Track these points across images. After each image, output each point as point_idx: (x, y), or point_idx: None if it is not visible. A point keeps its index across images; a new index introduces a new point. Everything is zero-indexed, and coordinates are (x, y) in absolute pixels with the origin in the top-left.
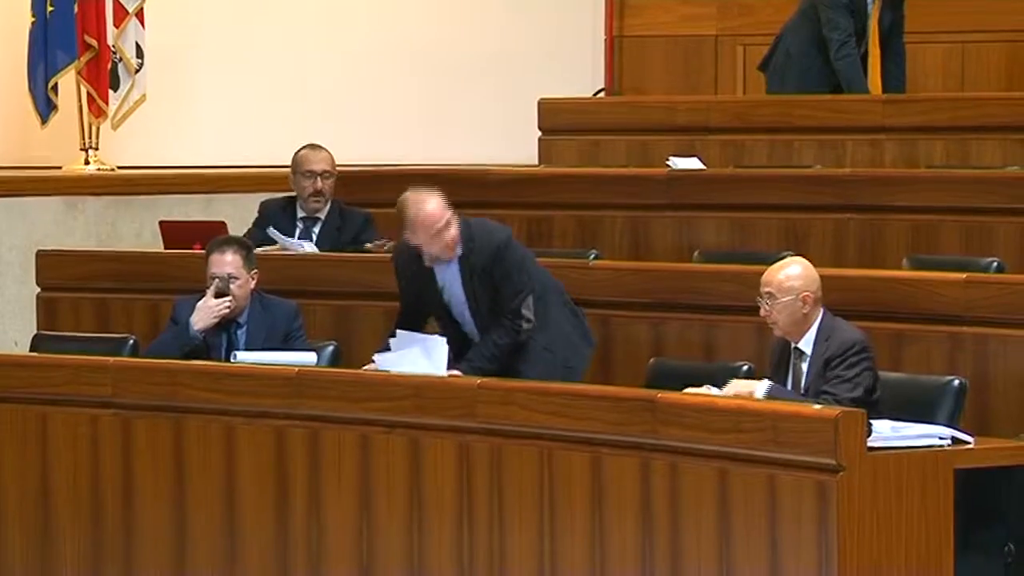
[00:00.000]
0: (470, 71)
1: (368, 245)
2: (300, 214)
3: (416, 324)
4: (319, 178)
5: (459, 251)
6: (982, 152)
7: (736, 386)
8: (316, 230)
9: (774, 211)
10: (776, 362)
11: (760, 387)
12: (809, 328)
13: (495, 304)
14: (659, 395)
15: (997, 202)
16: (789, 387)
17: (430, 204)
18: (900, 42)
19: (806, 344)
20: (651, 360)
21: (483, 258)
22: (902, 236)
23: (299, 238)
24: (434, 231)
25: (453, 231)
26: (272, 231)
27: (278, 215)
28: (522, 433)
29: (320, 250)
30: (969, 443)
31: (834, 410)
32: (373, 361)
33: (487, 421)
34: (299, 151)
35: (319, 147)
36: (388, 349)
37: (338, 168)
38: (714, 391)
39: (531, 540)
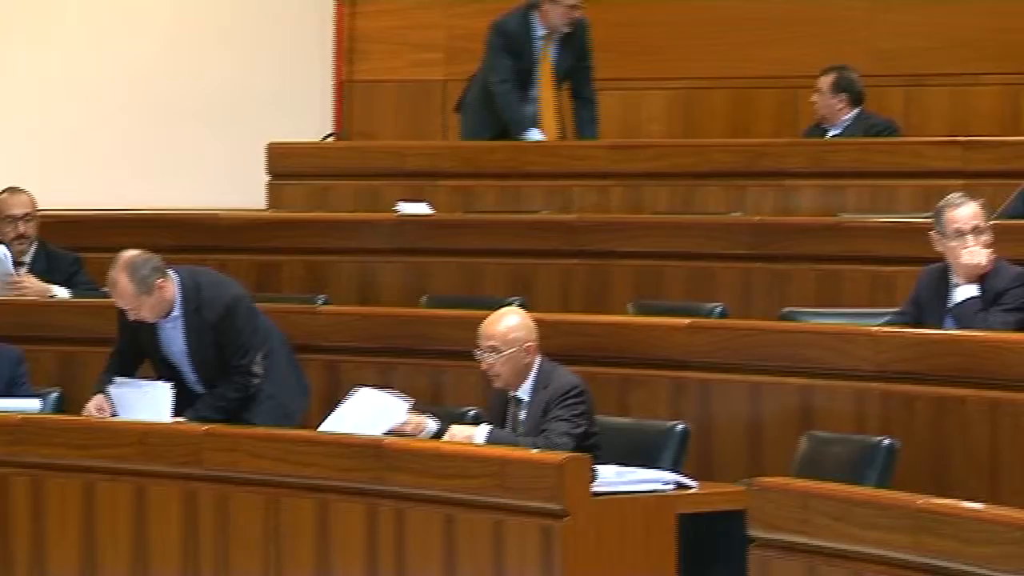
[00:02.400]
0: (197, 114)
1: None
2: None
3: (130, 367)
4: (20, 222)
5: (177, 310)
6: (707, 198)
7: (456, 432)
8: (23, 273)
9: (502, 256)
10: (494, 412)
11: (479, 432)
12: (528, 377)
13: (220, 359)
14: (386, 441)
15: (720, 248)
16: None
17: (122, 287)
18: (590, 88)
19: (524, 392)
20: None
21: (212, 314)
22: (628, 281)
23: None
24: (133, 303)
25: (144, 314)
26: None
27: None
28: (249, 480)
29: None
30: (692, 487)
31: (560, 455)
32: (100, 396)
33: (214, 468)
34: None
35: (18, 190)
36: (101, 392)
37: (56, 211)
38: (478, 435)
39: None
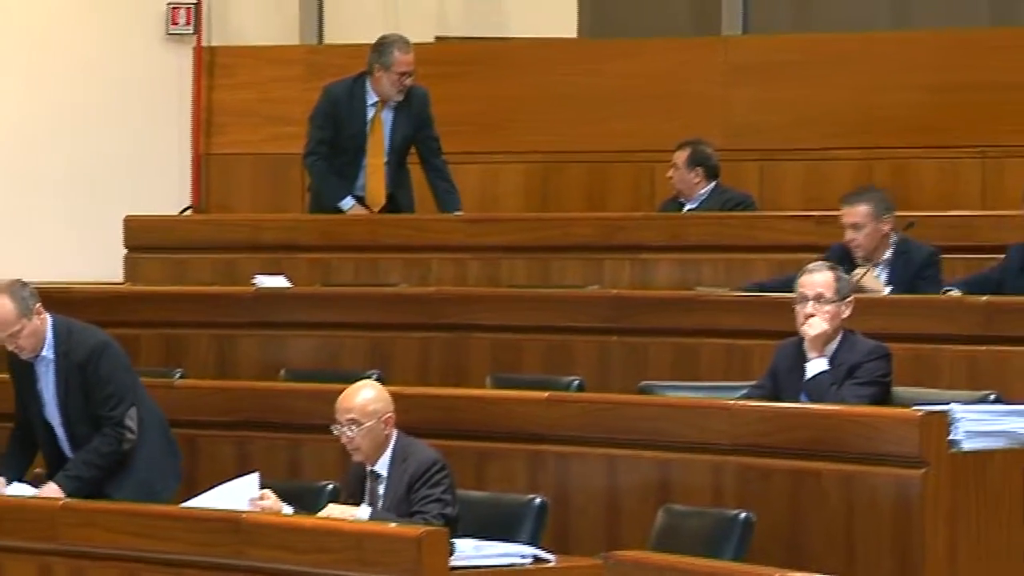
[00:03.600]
0: (54, 187)
1: None
2: None
3: (31, 441)
4: None
5: (49, 351)
6: (564, 271)
7: (333, 511)
8: None
9: (360, 329)
10: (352, 488)
11: (361, 513)
12: (386, 450)
13: (90, 411)
14: (244, 515)
15: (578, 321)
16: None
17: (4, 307)
18: (440, 160)
19: (382, 467)
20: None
21: (79, 355)
22: (486, 355)
23: None
24: (6, 334)
25: (23, 341)
26: None
27: None
28: (105, 555)
29: None
30: (550, 562)
31: (417, 529)
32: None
33: (69, 543)
34: None
35: None
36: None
37: None
38: (359, 514)
39: None
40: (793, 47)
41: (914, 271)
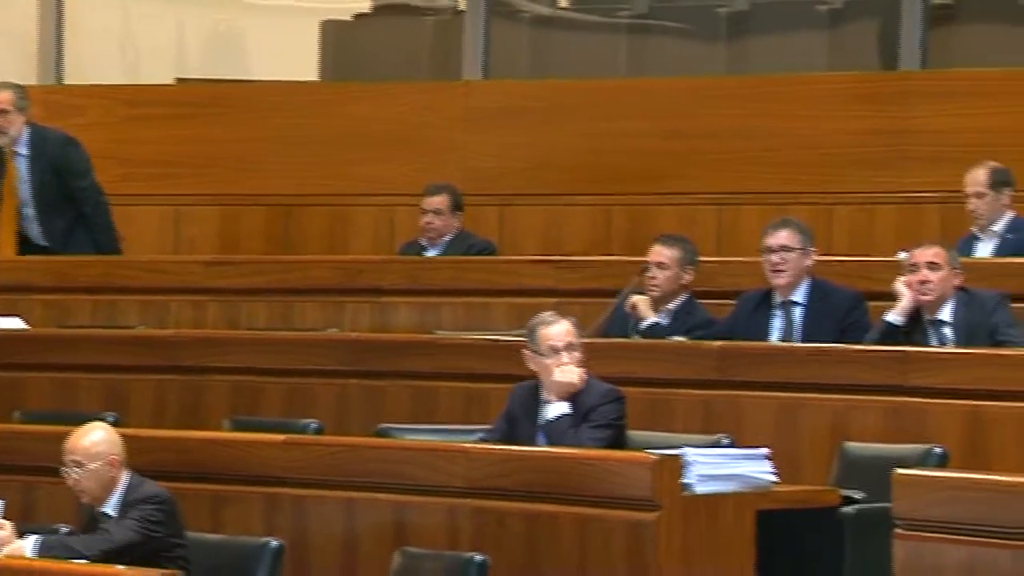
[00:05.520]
0: None
1: None
2: None
3: None
4: None
5: None
6: (304, 314)
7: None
8: None
9: (96, 371)
10: (88, 528)
11: (29, 544)
12: (116, 491)
13: None
14: None
15: (318, 364)
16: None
17: None
18: (87, 209)
19: (111, 508)
20: None
21: None
22: (224, 397)
23: None
24: None
25: None
26: None
27: None
28: None
29: None
30: None
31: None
32: None
33: None
34: None
35: None
36: None
37: None
38: (27, 547)
39: None
40: (533, 93)
41: (693, 324)
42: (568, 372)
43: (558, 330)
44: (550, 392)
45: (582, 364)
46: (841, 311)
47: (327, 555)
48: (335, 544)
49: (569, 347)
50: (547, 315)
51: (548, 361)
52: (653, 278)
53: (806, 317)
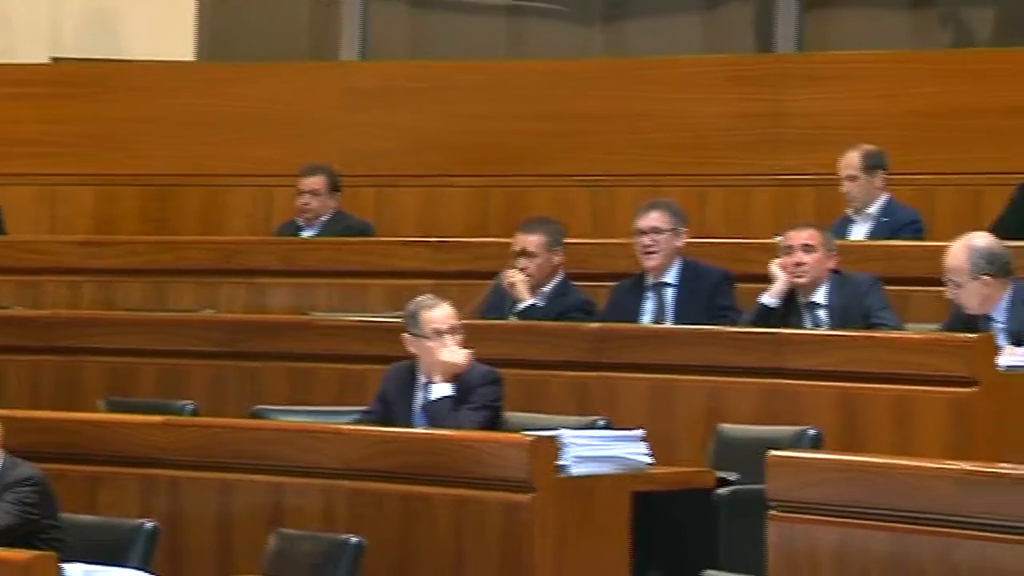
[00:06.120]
0: None
1: None
2: None
3: None
4: None
5: None
6: (180, 295)
7: None
8: None
9: None
10: None
11: None
12: None
13: None
14: None
15: (193, 345)
16: None
17: None
18: None
19: None
20: None
21: None
22: (99, 378)
23: None
24: None
25: None
26: None
27: None
28: None
29: None
30: None
31: (25, 554)
32: None
33: None
34: None
35: None
36: None
37: None
38: None
39: None
40: (410, 74)
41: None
42: (455, 353)
43: (441, 313)
44: (432, 373)
45: (465, 345)
46: (708, 289)
47: (203, 536)
48: (211, 525)
49: (452, 329)
50: (428, 298)
51: (431, 344)
52: (524, 268)
53: (677, 298)
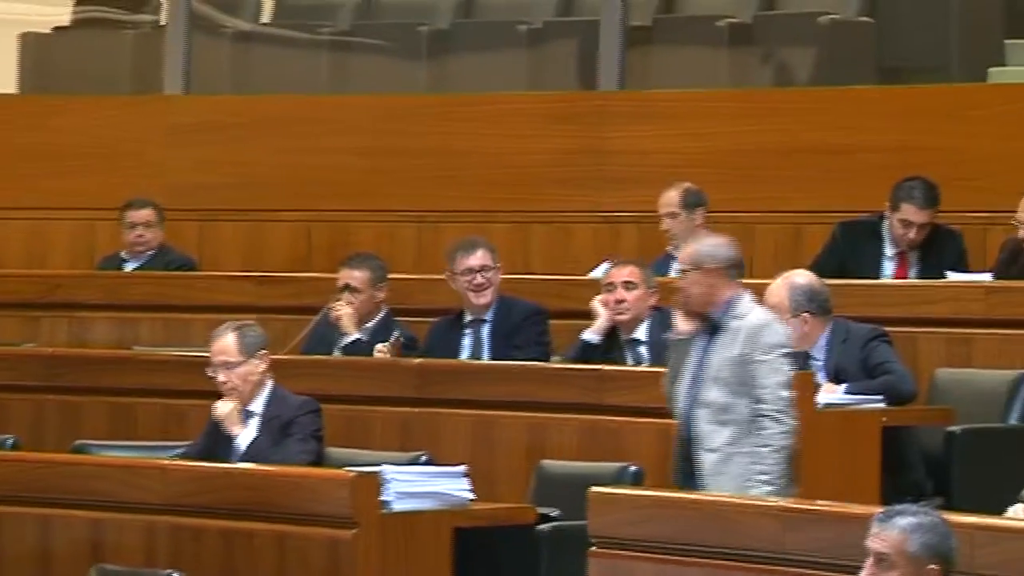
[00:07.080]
0: None
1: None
2: None
3: None
4: None
5: None
6: (2, 328)
7: None
8: None
9: None
10: None
11: None
12: None
13: None
14: None
15: (13, 379)
16: None
17: None
18: None
19: None
20: None
21: None
22: None
23: None
24: None
25: None
26: None
27: None
28: None
29: None
30: None
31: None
32: None
33: None
34: None
35: None
36: None
37: None
38: None
39: None
40: (234, 108)
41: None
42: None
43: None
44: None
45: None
46: (518, 323)
47: (21, 572)
48: (30, 561)
49: (226, 364)
50: (222, 328)
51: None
52: (350, 303)
53: (492, 333)
